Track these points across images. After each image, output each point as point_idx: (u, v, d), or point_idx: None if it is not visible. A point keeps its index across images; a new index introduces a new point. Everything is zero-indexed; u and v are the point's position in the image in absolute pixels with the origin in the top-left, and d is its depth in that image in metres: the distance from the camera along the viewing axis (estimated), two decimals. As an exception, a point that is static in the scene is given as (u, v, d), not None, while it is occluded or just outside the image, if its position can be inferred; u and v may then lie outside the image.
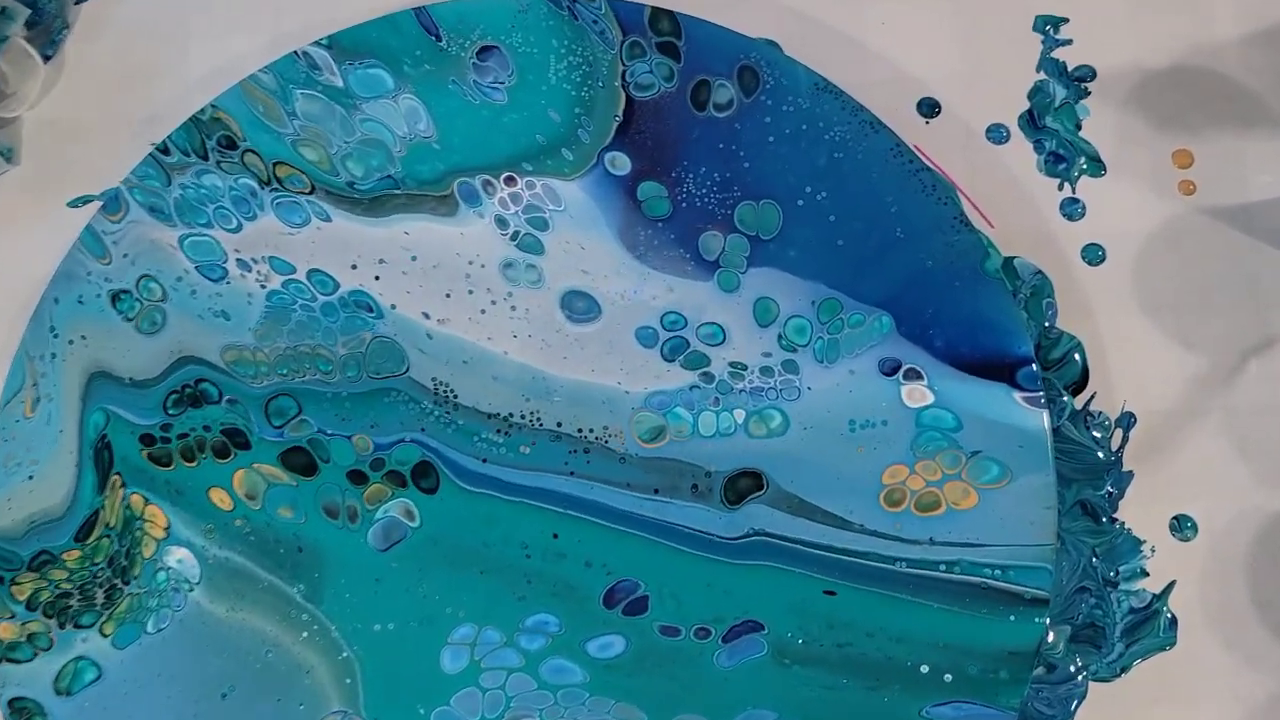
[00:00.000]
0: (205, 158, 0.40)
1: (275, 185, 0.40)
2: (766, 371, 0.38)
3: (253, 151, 0.40)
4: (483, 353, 0.39)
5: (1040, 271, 0.40)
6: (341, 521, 0.38)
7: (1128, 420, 0.39)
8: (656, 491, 0.37)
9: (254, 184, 0.40)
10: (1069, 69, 0.41)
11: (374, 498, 0.38)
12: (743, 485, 0.37)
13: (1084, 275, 0.40)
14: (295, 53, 0.40)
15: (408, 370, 0.39)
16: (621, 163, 0.39)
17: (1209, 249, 0.40)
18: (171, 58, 0.43)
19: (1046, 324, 0.39)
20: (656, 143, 0.39)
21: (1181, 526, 0.38)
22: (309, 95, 0.40)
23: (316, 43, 0.40)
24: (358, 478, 0.38)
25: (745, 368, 0.38)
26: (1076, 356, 0.39)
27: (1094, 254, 0.40)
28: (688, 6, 0.40)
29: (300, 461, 0.38)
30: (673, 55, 0.39)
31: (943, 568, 0.36)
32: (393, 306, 0.39)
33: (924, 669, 0.35)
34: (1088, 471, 0.38)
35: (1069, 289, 0.39)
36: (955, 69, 0.42)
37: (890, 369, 0.37)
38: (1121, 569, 0.38)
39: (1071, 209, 0.41)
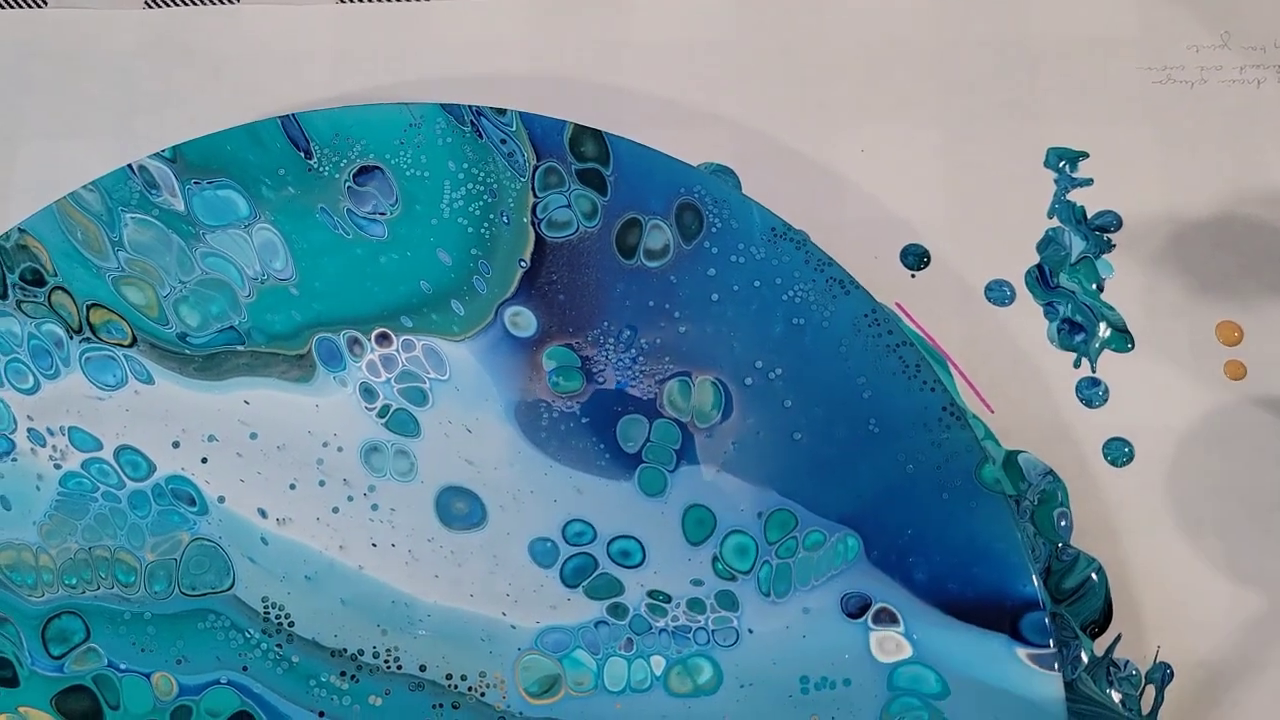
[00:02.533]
0: (4, 295, 0.32)
1: (87, 335, 0.32)
2: (696, 606, 0.30)
3: (63, 290, 0.32)
4: (331, 566, 0.30)
5: (1051, 472, 0.32)
6: (127, 793, 0.29)
7: (1163, 674, 0.30)
8: (544, 767, 0.29)
9: (61, 332, 0.32)
10: (1088, 215, 0.34)
11: (172, 761, 0.29)
12: (658, 762, 0.29)
13: (1106, 479, 0.32)
14: (129, 166, 0.32)
15: (233, 586, 0.30)
16: (525, 321, 0.31)
17: (1264, 450, 0.32)
18: (-11, 163, 0.35)
19: (1059, 543, 0.31)
20: (571, 297, 0.31)
21: (1232, 823, 0.29)
22: (141, 220, 0.32)
23: (157, 155, 0.32)
24: (154, 732, 0.29)
25: (669, 599, 0.30)
26: (1097, 584, 0.31)
27: (1119, 452, 0.32)
28: (623, 123, 0.33)
29: (81, 706, 0.29)
30: (597, 186, 0.31)
31: None
32: (220, 499, 0.31)
33: None
34: (1111, 743, 0.30)
35: (1087, 496, 0.32)
36: (949, 210, 0.35)
37: (857, 609, 0.29)
38: None
39: (1091, 393, 0.33)
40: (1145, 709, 0.30)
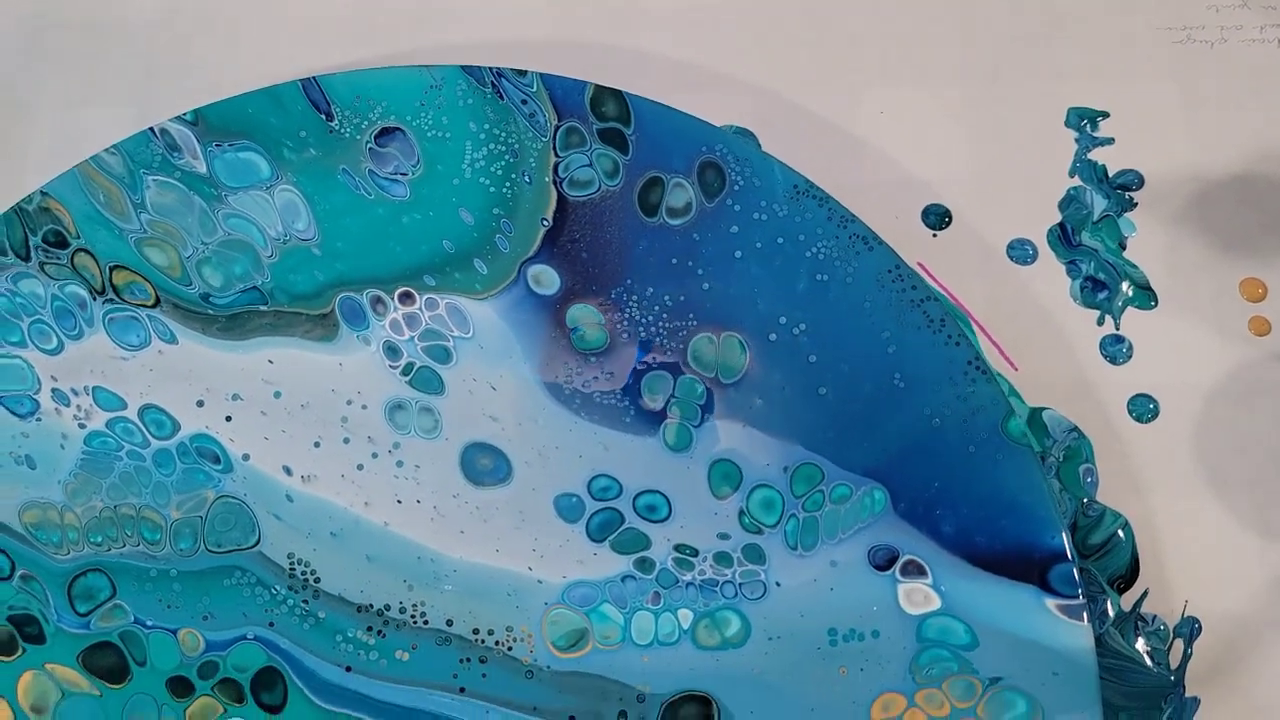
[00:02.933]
0: (26, 258, 0.32)
1: (111, 295, 0.32)
2: (723, 559, 0.30)
3: (86, 251, 0.32)
4: (357, 523, 0.30)
5: (1076, 429, 0.32)
6: (155, 748, 0.29)
7: (1191, 628, 0.30)
8: (572, 719, 0.28)
9: (84, 293, 0.32)
10: (1110, 174, 0.34)
11: (201, 715, 0.29)
12: (687, 714, 0.29)
13: (1132, 435, 0.32)
14: (151, 129, 0.32)
15: (258, 543, 0.30)
16: (548, 279, 0.31)
17: (1291, 406, 0.32)
18: (8, 127, 0.35)
19: (1085, 499, 0.31)
20: (594, 255, 0.31)
21: (1263, 775, 0.29)
22: (163, 183, 0.32)
23: (179, 118, 0.32)
24: (181, 688, 0.29)
25: (696, 553, 0.30)
26: (1123, 540, 0.31)
27: (1144, 408, 0.32)
28: (642, 87, 0.33)
29: (107, 663, 0.29)
30: (619, 146, 0.31)
31: (951, 838, 0.27)
32: (245, 457, 0.31)
33: None
34: (1139, 697, 0.30)
35: (1113, 452, 0.32)
36: (970, 170, 0.35)
37: (884, 561, 0.29)
38: (1186, 832, 0.29)
39: (1115, 349, 0.32)
40: (1173, 663, 0.30)
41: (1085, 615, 0.28)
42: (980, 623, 0.28)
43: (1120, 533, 0.31)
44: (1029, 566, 0.28)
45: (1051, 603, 0.28)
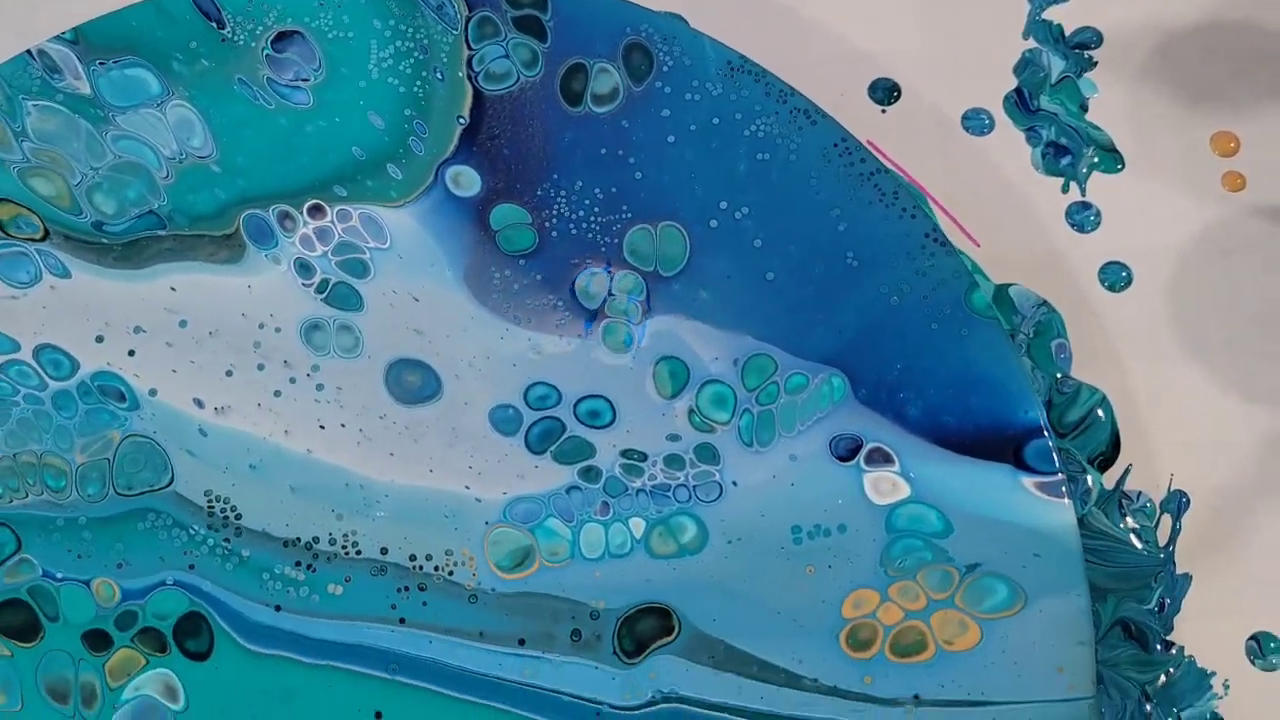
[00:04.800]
0: (-99, 197, 0.29)
1: (-5, 231, 0.29)
2: (674, 462, 0.28)
3: (-35, 187, 0.29)
4: (277, 453, 0.28)
5: (1045, 303, 0.30)
6: (73, 708, 0.27)
7: (1178, 502, 0.29)
8: (522, 643, 0.27)
9: (-35, 231, 0.29)
10: (1066, 34, 0.32)
11: (121, 669, 0.27)
12: (645, 629, 0.27)
13: (1105, 305, 0.30)
14: (28, 52, 0.30)
15: (172, 482, 0.28)
16: (468, 180, 0.29)
17: (1272, 262, 0.30)
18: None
19: (1059, 374, 0.29)
20: (516, 152, 0.29)
21: (1264, 649, 0.28)
22: (45, 108, 0.29)
23: (58, 37, 0.30)
24: (99, 641, 0.27)
25: (644, 458, 0.28)
26: (1102, 416, 0.29)
27: (1116, 276, 0.30)
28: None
29: (17, 621, 0.27)
30: (536, 33, 0.29)
31: (935, 737, 0.25)
32: (152, 393, 0.28)
33: None
34: (1128, 578, 0.28)
35: (1086, 325, 0.30)
36: (918, 41, 0.33)
37: (847, 451, 0.27)
38: (1185, 715, 0.27)
39: (1082, 217, 0.31)
40: (1162, 540, 0.28)
41: (1065, 491, 0.26)
42: (954, 508, 0.26)
43: (1099, 409, 0.29)
44: (1003, 445, 0.26)
45: (1029, 481, 0.26)
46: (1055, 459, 0.26)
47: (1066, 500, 0.26)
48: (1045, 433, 0.26)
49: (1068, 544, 0.26)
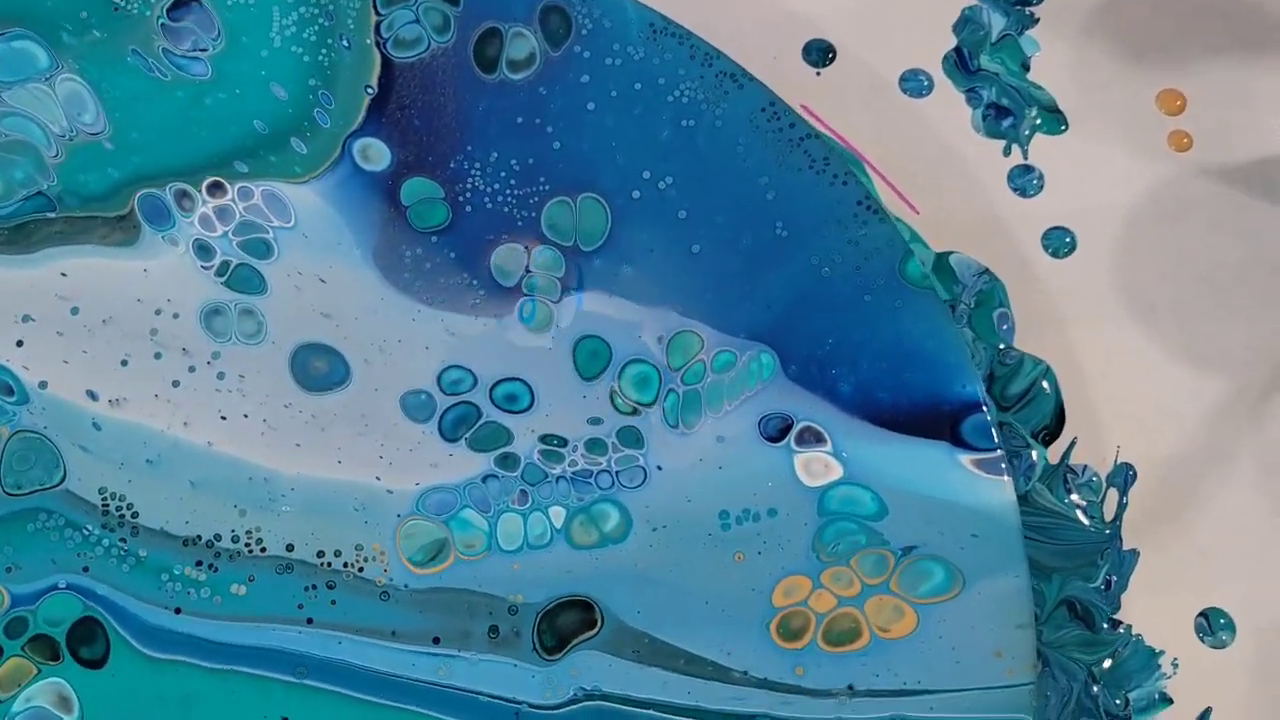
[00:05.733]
0: None
1: None
2: (596, 447, 0.26)
3: None
4: (176, 446, 0.26)
5: (987, 271, 0.29)
6: (-39, 721, 0.25)
7: (1125, 475, 0.27)
8: (437, 641, 0.25)
9: None
10: None
11: (11, 680, 0.25)
12: (566, 623, 0.25)
13: (1049, 272, 0.29)
14: (-97, 27, 0.28)
15: (64, 480, 0.26)
16: (377, 153, 0.27)
17: (1219, 224, 0.29)
18: None
19: (1001, 345, 0.28)
20: (427, 122, 0.28)
21: (1213, 626, 0.27)
22: (-76, 85, 0.27)
23: (-65, 10, 0.28)
24: (-13, 650, 0.26)
25: (564, 443, 0.26)
26: (1046, 388, 0.28)
27: (1060, 241, 0.29)
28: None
29: (-101, 631, 0.26)
30: (447, -4, 0.27)
31: (871, 730, 0.24)
32: (42, 385, 0.27)
33: None
34: (1073, 555, 0.27)
35: (1029, 293, 0.29)
36: (855, 0, 0.31)
37: (777, 431, 0.26)
38: (1133, 696, 0.26)
39: (1024, 181, 0.30)
40: (1108, 515, 0.27)
41: (1004, 468, 0.25)
42: (889, 489, 0.25)
43: (1043, 380, 0.28)
44: (939, 421, 0.25)
45: (966, 458, 0.25)
46: (994, 435, 0.25)
47: (1006, 478, 0.25)
48: (984, 408, 0.25)
49: (1007, 523, 0.24)
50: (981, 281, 0.29)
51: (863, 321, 0.26)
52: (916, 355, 0.26)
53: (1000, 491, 0.25)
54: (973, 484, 0.25)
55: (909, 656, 0.24)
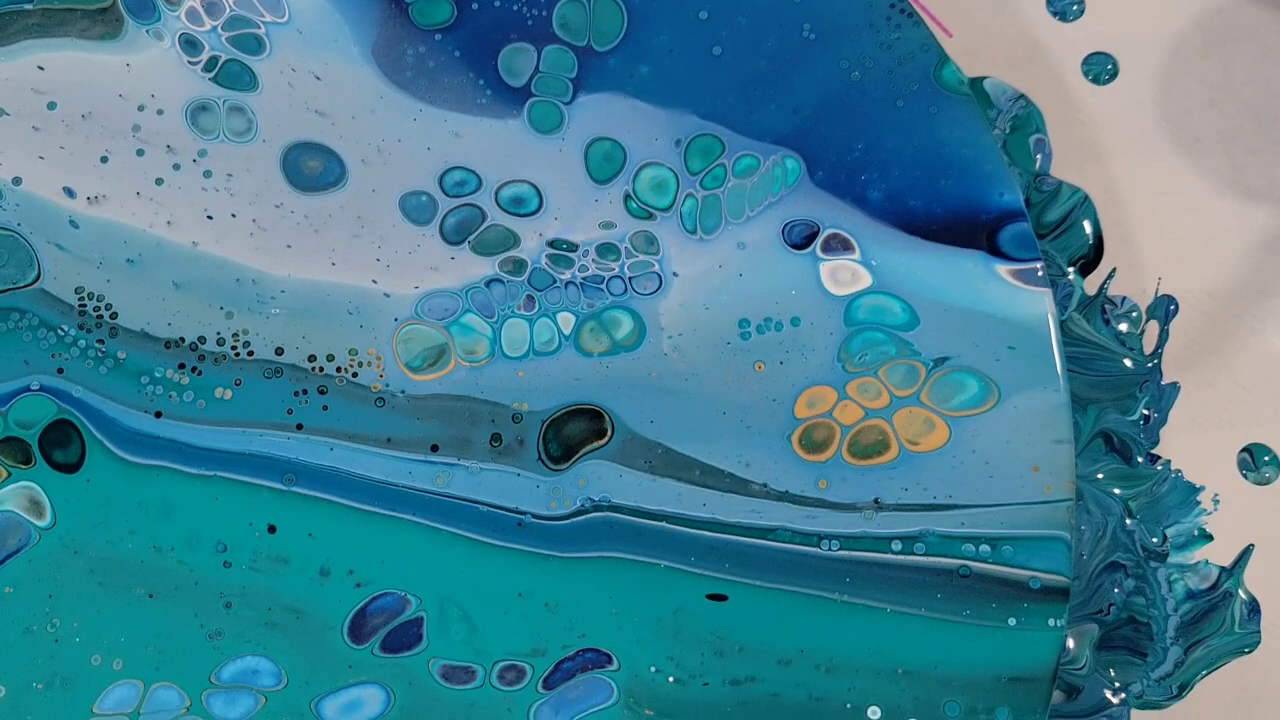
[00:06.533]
0: None
1: None
2: (608, 252, 0.25)
3: None
4: (158, 246, 0.25)
5: (1023, 97, 0.27)
6: (-75, 525, 0.23)
7: (1166, 307, 0.26)
8: (435, 449, 0.24)
9: None
10: None
11: (-21, 483, 0.24)
12: (574, 432, 0.24)
13: (1089, 99, 0.28)
14: None
15: (39, 279, 0.24)
16: (377, -54, 0.26)
17: (1268, 53, 0.28)
18: None
19: (1037, 173, 0.26)
20: (431, -86, 0.25)
21: (1256, 462, 0.25)
22: None
23: None
24: (-46, 453, 0.24)
25: (574, 249, 0.25)
26: (1084, 215, 0.26)
27: (1101, 67, 0.27)
28: None
29: None
30: None
31: (897, 547, 0.22)
32: (16, 181, 0.25)
33: (873, 714, 0.22)
34: (1111, 387, 0.25)
35: (1068, 120, 0.28)
36: None
37: (802, 238, 0.24)
38: (1171, 532, 0.25)
39: (1064, 4, 0.28)
40: (1148, 348, 0.26)
41: (1044, 278, 0.23)
42: (920, 298, 0.23)
43: (1080, 208, 0.27)
44: (975, 230, 0.24)
45: (1003, 268, 0.23)
46: (1035, 243, 0.23)
47: (1045, 288, 0.23)
48: (1024, 216, 0.24)
49: (1045, 335, 0.23)
50: (1017, 107, 0.27)
51: (895, 127, 0.24)
52: (952, 162, 0.24)
53: (1040, 303, 0.23)
54: (1010, 295, 0.23)
55: (940, 470, 0.23)
